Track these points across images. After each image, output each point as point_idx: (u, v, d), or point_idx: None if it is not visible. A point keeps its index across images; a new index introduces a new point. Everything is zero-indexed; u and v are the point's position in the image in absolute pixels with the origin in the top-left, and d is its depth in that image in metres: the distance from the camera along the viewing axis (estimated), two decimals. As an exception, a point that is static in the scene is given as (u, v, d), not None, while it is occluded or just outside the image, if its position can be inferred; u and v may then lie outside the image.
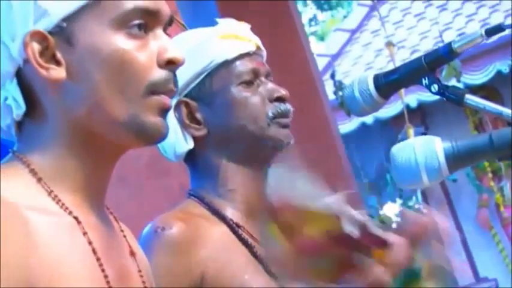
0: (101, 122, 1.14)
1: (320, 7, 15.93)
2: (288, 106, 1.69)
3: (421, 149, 1.38)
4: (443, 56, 1.44)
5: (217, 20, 1.74)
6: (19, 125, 1.17)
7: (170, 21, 1.19)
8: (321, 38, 15.20)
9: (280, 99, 1.68)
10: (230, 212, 1.65)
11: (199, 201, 1.66)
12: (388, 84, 1.48)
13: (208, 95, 1.67)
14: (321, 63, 8.47)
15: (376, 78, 1.49)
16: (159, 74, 1.15)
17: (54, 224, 1.10)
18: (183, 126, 1.67)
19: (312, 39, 15.07)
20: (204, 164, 1.69)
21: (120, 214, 1.29)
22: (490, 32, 1.40)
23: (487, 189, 7.72)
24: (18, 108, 1.14)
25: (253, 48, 1.70)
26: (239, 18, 1.79)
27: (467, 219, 8.17)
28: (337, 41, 9.52)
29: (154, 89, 1.14)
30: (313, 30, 15.82)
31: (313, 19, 16.04)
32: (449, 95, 1.43)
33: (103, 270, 1.13)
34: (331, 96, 6.95)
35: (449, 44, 1.42)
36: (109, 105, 1.13)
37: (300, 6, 14.74)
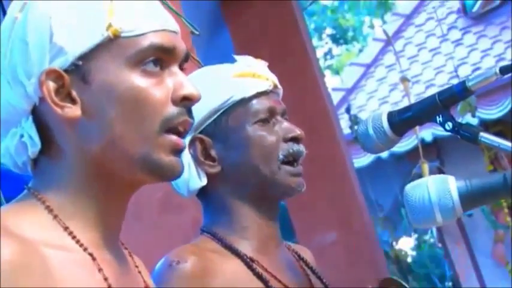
0: (115, 159, 1.14)
1: (335, 41, 15.97)
2: (300, 147, 1.69)
3: (435, 188, 1.37)
4: (457, 94, 1.44)
5: (235, 57, 1.75)
6: (35, 161, 1.18)
7: (186, 58, 1.20)
8: (336, 72, 15.22)
9: (294, 140, 1.68)
10: (243, 247, 1.65)
11: (212, 237, 1.66)
12: (402, 121, 1.48)
13: (223, 132, 1.67)
14: (336, 97, 8.48)
15: (390, 116, 1.49)
16: (173, 109, 1.15)
17: (70, 260, 1.11)
18: (197, 162, 1.67)
19: (327, 73, 15.10)
20: (216, 201, 1.69)
21: (133, 250, 1.29)
22: (504, 71, 1.40)
23: (502, 225, 7.67)
24: (34, 146, 1.15)
25: (270, 87, 1.71)
26: (254, 52, 1.79)
27: (483, 254, 8.10)
28: (352, 75, 9.52)
29: (169, 125, 1.15)
30: (328, 64, 15.86)
31: (328, 53, 16.07)
32: (464, 132, 1.43)
33: None
34: (346, 130, 6.95)
35: (464, 82, 1.42)
36: (124, 143, 1.13)
37: (315, 40, 14.78)
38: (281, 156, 1.66)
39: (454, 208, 1.37)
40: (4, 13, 2.23)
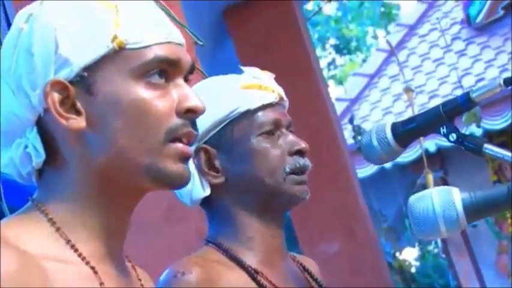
0: (121, 169, 1.14)
1: (339, 51, 15.99)
2: (306, 162, 1.69)
3: (439, 200, 1.37)
4: (461, 105, 1.44)
5: (242, 68, 1.75)
6: (40, 172, 1.18)
7: (191, 70, 1.20)
8: (340, 82, 15.24)
9: (299, 153, 1.68)
10: (248, 258, 1.64)
11: (216, 248, 1.66)
12: (406, 132, 1.48)
13: (228, 143, 1.67)
14: (340, 107, 8.48)
15: (394, 127, 1.49)
16: (176, 121, 1.15)
17: (72, 273, 1.10)
18: (201, 173, 1.67)
19: (331, 83, 15.12)
20: (221, 211, 1.69)
21: (137, 260, 1.29)
22: (508, 82, 1.40)
23: (506, 236, 7.66)
24: (38, 156, 1.15)
25: (276, 99, 1.70)
26: (257, 63, 1.79)
27: (487, 265, 8.08)
28: (355, 86, 9.53)
29: (173, 135, 1.15)
30: (331, 74, 15.87)
31: (331, 63, 16.09)
32: (468, 144, 1.43)
33: None
34: (350, 141, 6.94)
35: (468, 93, 1.42)
36: (129, 153, 1.13)
37: (318, 50, 14.80)
38: (288, 170, 1.66)
39: (459, 220, 1.36)
40: (7, 20, 2.23)
